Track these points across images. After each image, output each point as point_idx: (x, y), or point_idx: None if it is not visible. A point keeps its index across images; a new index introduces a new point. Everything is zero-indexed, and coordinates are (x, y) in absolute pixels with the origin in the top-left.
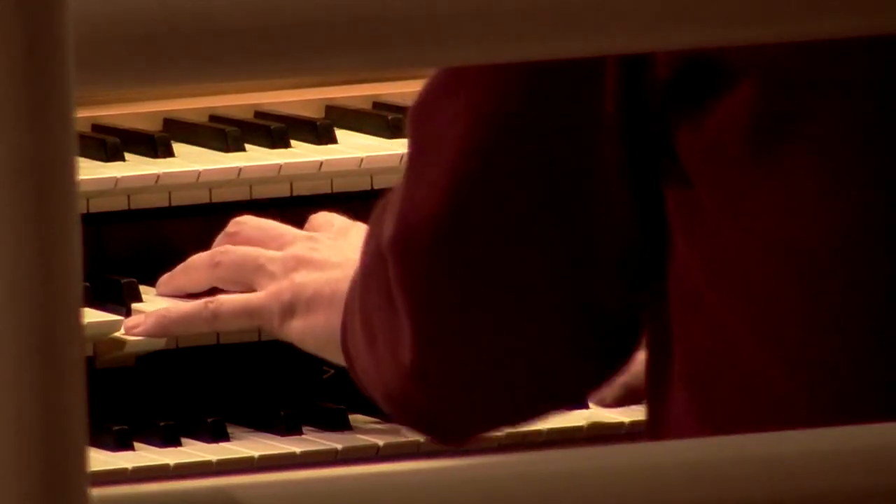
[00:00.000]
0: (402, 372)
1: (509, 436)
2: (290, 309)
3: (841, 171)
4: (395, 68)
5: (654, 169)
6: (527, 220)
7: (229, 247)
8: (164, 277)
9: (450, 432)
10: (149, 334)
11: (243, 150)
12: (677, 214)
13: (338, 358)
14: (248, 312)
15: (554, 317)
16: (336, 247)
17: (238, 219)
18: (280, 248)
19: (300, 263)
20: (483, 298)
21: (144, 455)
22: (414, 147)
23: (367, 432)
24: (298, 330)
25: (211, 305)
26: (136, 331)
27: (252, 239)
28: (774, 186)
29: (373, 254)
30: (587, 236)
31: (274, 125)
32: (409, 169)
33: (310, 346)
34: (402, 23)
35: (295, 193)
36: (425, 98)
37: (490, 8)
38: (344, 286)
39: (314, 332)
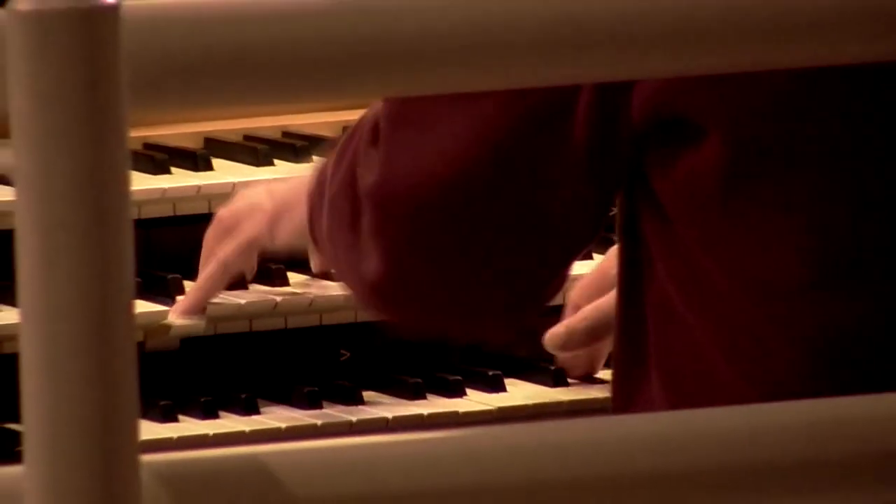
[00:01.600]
0: (365, 284)
1: (500, 409)
2: (272, 220)
3: (800, 218)
4: (401, 94)
5: (616, 190)
6: (497, 213)
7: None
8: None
9: (402, 322)
10: (188, 310)
11: (272, 164)
12: (656, 239)
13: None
14: (247, 244)
15: (505, 277)
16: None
17: None
18: None
19: (267, 192)
20: (449, 259)
21: (187, 426)
22: (398, 116)
23: (378, 407)
24: (286, 232)
25: (217, 259)
26: (178, 311)
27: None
28: (741, 228)
29: (343, 182)
30: (553, 236)
31: (299, 143)
32: (392, 132)
33: (300, 238)
34: (407, 57)
35: None
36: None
37: (500, 40)
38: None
39: (298, 230)
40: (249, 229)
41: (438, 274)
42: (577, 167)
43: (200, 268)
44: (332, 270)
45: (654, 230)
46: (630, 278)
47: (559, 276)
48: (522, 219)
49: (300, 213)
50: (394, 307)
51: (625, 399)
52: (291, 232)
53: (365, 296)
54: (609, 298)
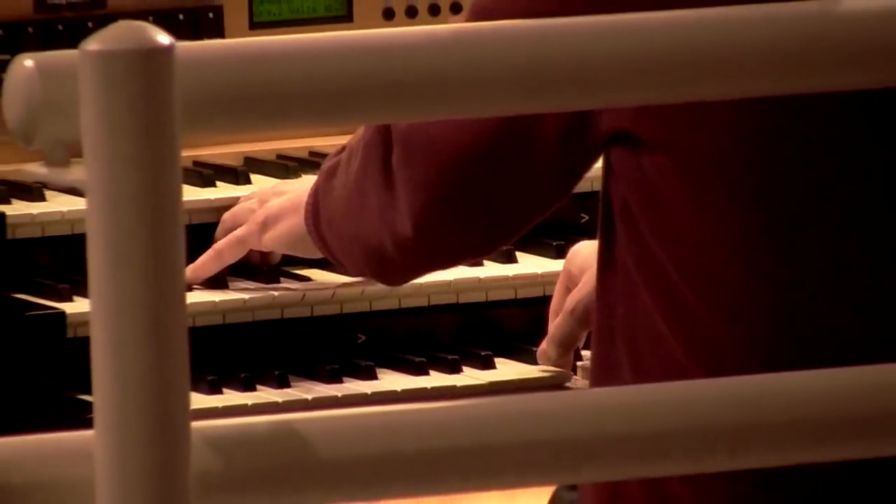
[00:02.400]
0: (390, 232)
1: (491, 384)
2: (264, 226)
3: (733, 217)
4: (403, 120)
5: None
6: (495, 168)
7: (235, 208)
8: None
9: (397, 280)
10: (190, 281)
11: (300, 178)
12: (623, 229)
13: (304, 250)
14: (238, 241)
15: (503, 234)
16: (287, 182)
17: None
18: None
19: (268, 196)
20: (464, 210)
21: (229, 397)
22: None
23: (389, 381)
24: (273, 238)
25: (213, 248)
26: (188, 279)
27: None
28: (685, 224)
29: (377, 130)
30: (529, 194)
31: (322, 161)
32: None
33: (283, 248)
34: (407, 90)
35: None
36: None
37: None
38: (301, 200)
39: (285, 236)
40: (242, 230)
41: (452, 214)
42: (555, 148)
43: (216, 238)
44: (334, 249)
45: (623, 221)
46: (604, 267)
47: (526, 227)
48: (513, 179)
49: (292, 224)
50: (393, 256)
51: (598, 373)
52: (278, 238)
53: (369, 255)
54: (567, 307)
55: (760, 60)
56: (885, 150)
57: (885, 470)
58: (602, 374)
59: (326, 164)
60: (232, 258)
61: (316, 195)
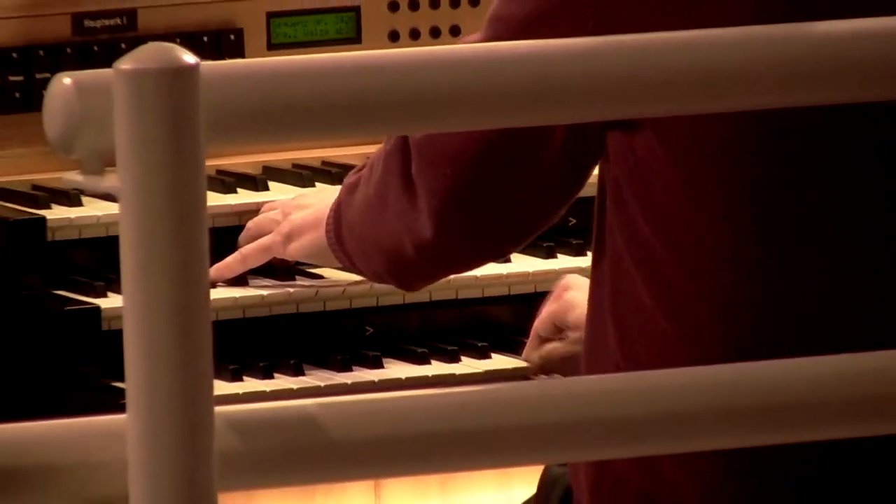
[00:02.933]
0: (412, 236)
1: (487, 372)
2: (288, 237)
3: (715, 203)
4: (406, 133)
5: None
6: (507, 174)
7: (260, 216)
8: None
9: (416, 284)
10: (215, 280)
11: (314, 186)
12: (614, 213)
13: (325, 261)
14: (263, 249)
15: (518, 235)
16: (308, 195)
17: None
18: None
19: (291, 209)
20: (483, 211)
21: (249, 384)
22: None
23: (394, 370)
24: (296, 249)
25: (240, 251)
26: (213, 277)
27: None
28: (674, 206)
29: (397, 142)
30: (539, 197)
31: (335, 170)
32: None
33: (305, 258)
34: (411, 106)
35: None
36: None
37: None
38: (322, 214)
39: (307, 248)
40: (267, 239)
41: (470, 216)
42: (559, 144)
43: (239, 242)
44: (355, 257)
45: (616, 204)
46: (597, 249)
47: (541, 228)
48: (525, 178)
49: (315, 238)
50: (412, 259)
51: (589, 347)
52: (301, 250)
53: (389, 260)
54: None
55: (744, 78)
56: (879, 147)
57: (865, 453)
58: (592, 349)
59: (348, 180)
60: (256, 263)
61: (338, 209)
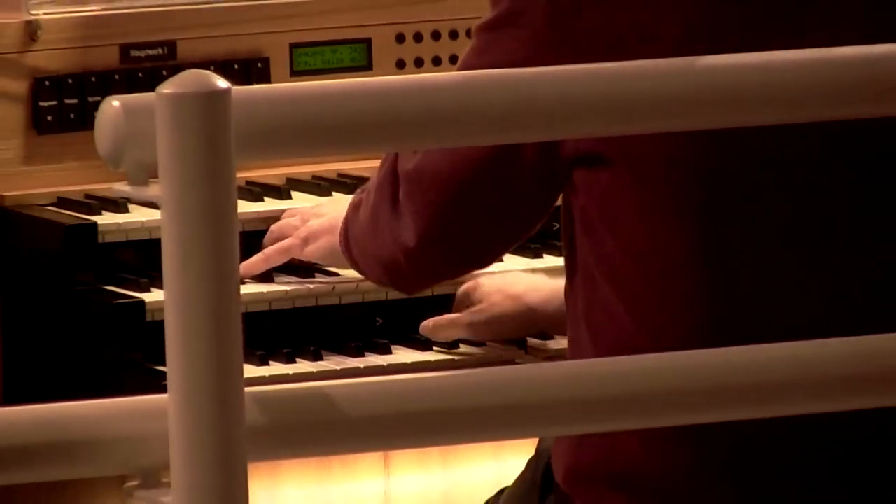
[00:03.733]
0: (402, 249)
1: (480, 358)
2: (306, 241)
3: (671, 219)
4: (413, 149)
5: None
6: (485, 195)
7: (280, 222)
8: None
9: (412, 290)
10: (243, 276)
11: (331, 195)
12: (580, 220)
13: (337, 263)
14: (284, 250)
15: (497, 248)
16: (325, 204)
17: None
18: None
19: (309, 216)
20: (459, 234)
21: (274, 368)
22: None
23: (401, 356)
24: (313, 251)
25: (263, 252)
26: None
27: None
28: (636, 221)
29: (387, 172)
30: (514, 217)
31: (350, 181)
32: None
33: (320, 260)
34: (421, 122)
35: None
36: None
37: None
38: (336, 222)
39: (322, 250)
40: (287, 242)
41: (450, 233)
42: (529, 175)
43: (264, 244)
44: (360, 265)
45: (583, 225)
46: (569, 267)
47: (513, 244)
48: (498, 203)
49: (329, 241)
50: (422, 261)
51: (570, 347)
52: (316, 252)
53: (384, 269)
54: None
55: (691, 102)
56: (807, 164)
57: (808, 432)
58: (573, 350)
59: (354, 200)
60: (277, 262)
61: (346, 224)
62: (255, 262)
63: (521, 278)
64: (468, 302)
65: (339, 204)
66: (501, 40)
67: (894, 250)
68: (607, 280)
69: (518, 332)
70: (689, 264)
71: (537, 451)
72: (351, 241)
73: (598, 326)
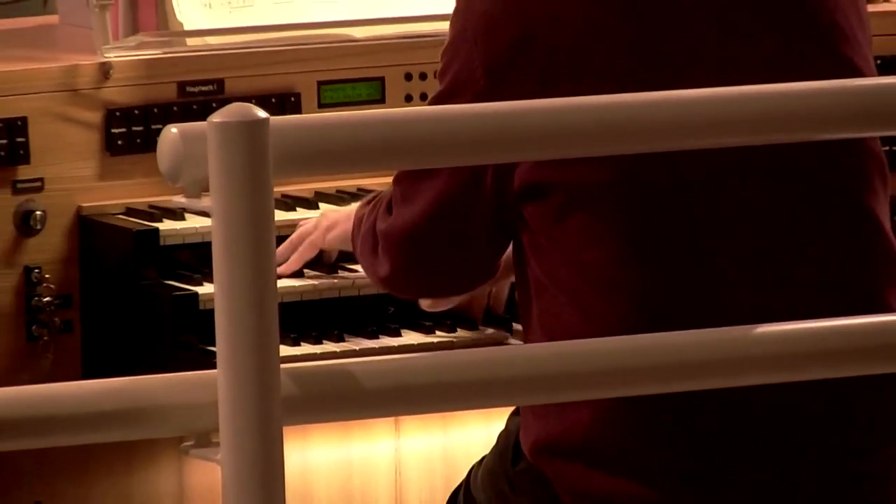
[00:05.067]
0: (380, 279)
1: (474, 340)
2: (328, 230)
3: (607, 231)
4: (415, 167)
5: (512, 220)
6: (449, 236)
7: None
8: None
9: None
10: (280, 274)
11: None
12: (529, 245)
13: (350, 247)
14: (311, 244)
15: (466, 284)
16: (334, 209)
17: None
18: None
19: (321, 219)
20: (423, 264)
21: (305, 349)
22: (399, 196)
23: (409, 338)
24: (334, 237)
25: (298, 253)
26: (279, 271)
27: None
28: (573, 236)
29: (367, 227)
30: (477, 248)
31: (367, 194)
32: (395, 204)
33: (340, 245)
34: (426, 145)
35: None
36: (409, 172)
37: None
38: (350, 214)
39: (339, 237)
40: (313, 236)
41: (418, 272)
42: (489, 209)
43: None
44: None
45: (529, 240)
46: (521, 279)
47: (487, 272)
48: (462, 240)
49: (344, 228)
50: (396, 290)
51: (526, 339)
52: (335, 239)
53: (379, 284)
54: None
55: (624, 131)
56: (733, 173)
57: (730, 404)
58: (527, 336)
59: (358, 213)
60: (309, 257)
61: (354, 227)
62: (291, 262)
63: None
64: None
65: (349, 208)
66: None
67: (808, 248)
68: (557, 289)
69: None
70: (626, 269)
71: (507, 427)
72: (355, 244)
73: (552, 329)
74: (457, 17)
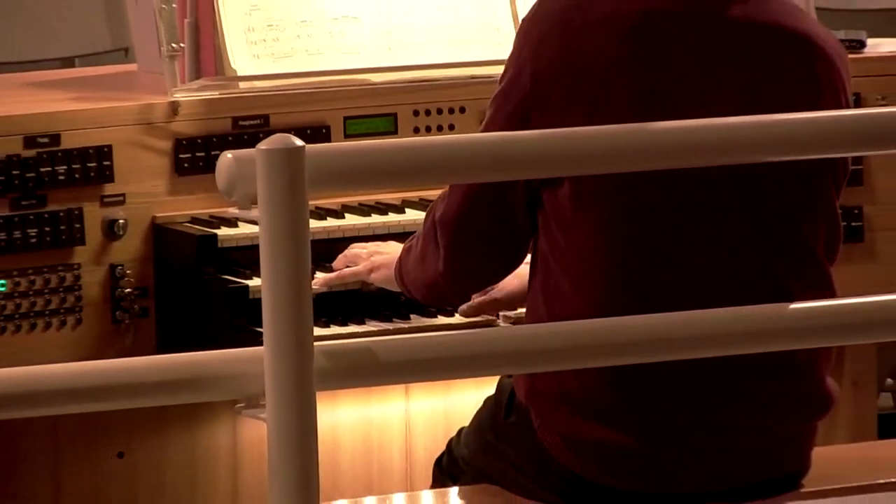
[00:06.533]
0: (438, 272)
1: (471, 323)
2: (370, 270)
3: (602, 225)
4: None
5: (534, 205)
6: (498, 220)
7: (348, 251)
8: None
9: (450, 301)
10: (319, 284)
11: (370, 216)
12: (542, 225)
13: (391, 287)
14: (354, 274)
15: (507, 260)
16: (383, 246)
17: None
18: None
19: (374, 252)
20: (473, 253)
21: (333, 330)
22: (451, 189)
23: (418, 322)
24: (376, 278)
25: (339, 272)
26: (316, 284)
27: (355, 252)
28: (580, 223)
29: (430, 223)
30: (514, 239)
31: (383, 207)
32: (449, 194)
33: (381, 283)
34: (436, 167)
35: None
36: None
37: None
38: (392, 260)
39: (381, 279)
40: (359, 268)
41: (468, 252)
42: (520, 192)
43: (334, 266)
44: (410, 290)
45: (543, 220)
46: (533, 255)
47: (520, 254)
48: (501, 218)
49: (386, 273)
50: (450, 280)
51: (529, 317)
52: (379, 278)
53: (427, 289)
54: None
55: (620, 153)
56: (731, 194)
57: (682, 369)
58: (530, 315)
59: (405, 246)
60: (348, 281)
61: (400, 262)
62: (331, 277)
63: None
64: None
65: (392, 248)
66: (503, 106)
67: (769, 249)
68: (560, 267)
69: (521, 302)
70: (611, 255)
71: (499, 386)
72: (403, 273)
73: (552, 298)
74: (518, 37)
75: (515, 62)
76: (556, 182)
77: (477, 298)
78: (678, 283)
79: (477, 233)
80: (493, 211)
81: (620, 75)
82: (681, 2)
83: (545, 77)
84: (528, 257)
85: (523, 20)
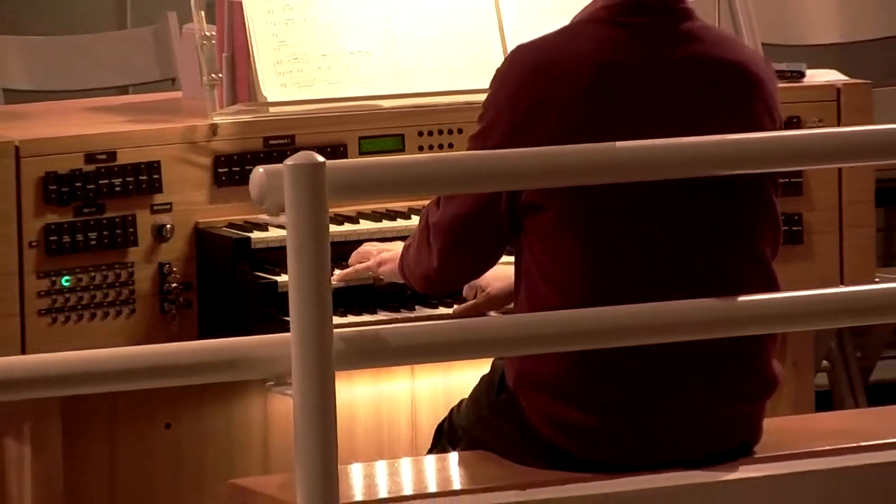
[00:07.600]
0: (431, 267)
1: (468, 313)
2: (379, 265)
3: (577, 238)
4: (451, 193)
5: (517, 221)
6: (479, 229)
7: (360, 249)
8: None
9: (443, 291)
10: (337, 280)
11: (381, 222)
12: (525, 242)
13: (395, 279)
14: (365, 269)
15: (490, 258)
16: (389, 245)
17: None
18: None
19: (382, 250)
20: (463, 254)
21: (349, 319)
22: (443, 196)
23: (422, 312)
24: (384, 271)
25: (354, 269)
26: (335, 280)
27: (367, 249)
28: (557, 240)
29: (423, 224)
30: (499, 234)
31: (393, 213)
32: (441, 199)
33: (388, 276)
34: (439, 179)
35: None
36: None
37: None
38: (397, 256)
39: (387, 272)
40: (369, 263)
41: (458, 251)
42: (505, 209)
43: (349, 262)
44: (410, 280)
45: (525, 239)
46: (518, 268)
47: (498, 252)
48: (490, 232)
49: (392, 267)
50: (443, 275)
51: (515, 308)
52: (385, 272)
53: (423, 280)
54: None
55: (597, 167)
56: (687, 204)
57: (654, 355)
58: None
59: (405, 244)
60: (362, 275)
61: (402, 258)
62: (348, 272)
63: (499, 269)
64: (475, 287)
65: (397, 247)
66: (483, 147)
67: (722, 251)
68: (541, 276)
69: (506, 301)
70: (586, 266)
71: (492, 366)
72: (404, 267)
73: (532, 301)
74: (496, 79)
75: (493, 105)
76: (538, 208)
77: (468, 302)
78: (644, 282)
79: (467, 239)
80: (480, 222)
81: (585, 122)
82: (629, 53)
83: (519, 121)
84: (513, 269)
85: (498, 69)
